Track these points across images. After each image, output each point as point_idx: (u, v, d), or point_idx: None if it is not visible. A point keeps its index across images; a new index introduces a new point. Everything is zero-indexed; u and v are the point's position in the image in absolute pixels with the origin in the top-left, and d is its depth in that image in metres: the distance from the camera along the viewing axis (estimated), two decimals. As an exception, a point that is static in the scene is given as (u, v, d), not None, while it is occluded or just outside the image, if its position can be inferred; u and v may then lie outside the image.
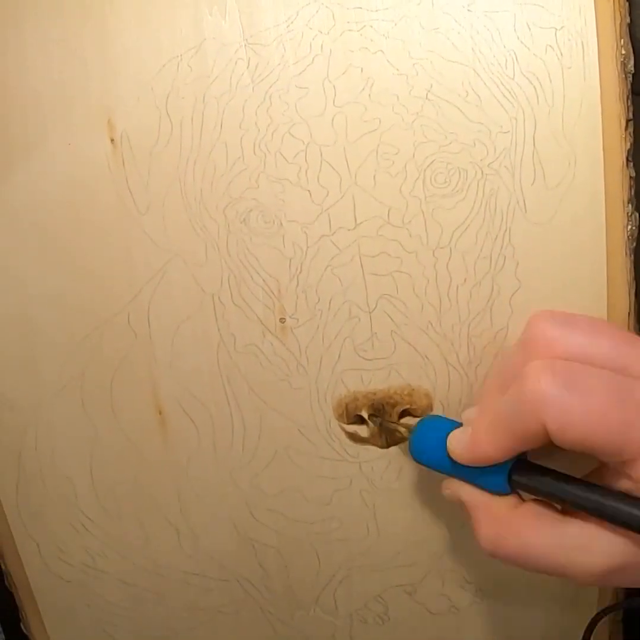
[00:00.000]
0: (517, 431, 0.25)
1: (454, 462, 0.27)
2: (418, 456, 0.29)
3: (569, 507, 0.26)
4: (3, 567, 0.34)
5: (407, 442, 0.30)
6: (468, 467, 0.27)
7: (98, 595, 0.34)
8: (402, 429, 0.30)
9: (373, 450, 0.31)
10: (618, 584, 0.28)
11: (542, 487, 0.26)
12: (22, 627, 0.35)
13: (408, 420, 0.31)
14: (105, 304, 0.30)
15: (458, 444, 0.27)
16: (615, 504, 0.24)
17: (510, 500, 0.27)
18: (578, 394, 0.23)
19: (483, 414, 0.26)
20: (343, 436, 0.31)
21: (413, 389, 0.31)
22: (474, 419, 0.27)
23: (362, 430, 0.31)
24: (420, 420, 0.30)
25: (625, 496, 0.24)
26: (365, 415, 0.31)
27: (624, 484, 0.25)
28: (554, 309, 0.28)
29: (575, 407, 0.23)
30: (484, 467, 0.26)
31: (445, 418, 0.29)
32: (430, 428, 0.29)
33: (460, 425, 0.28)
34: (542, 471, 0.26)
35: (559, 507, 0.27)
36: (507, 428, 0.25)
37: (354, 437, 0.31)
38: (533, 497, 0.27)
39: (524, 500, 0.27)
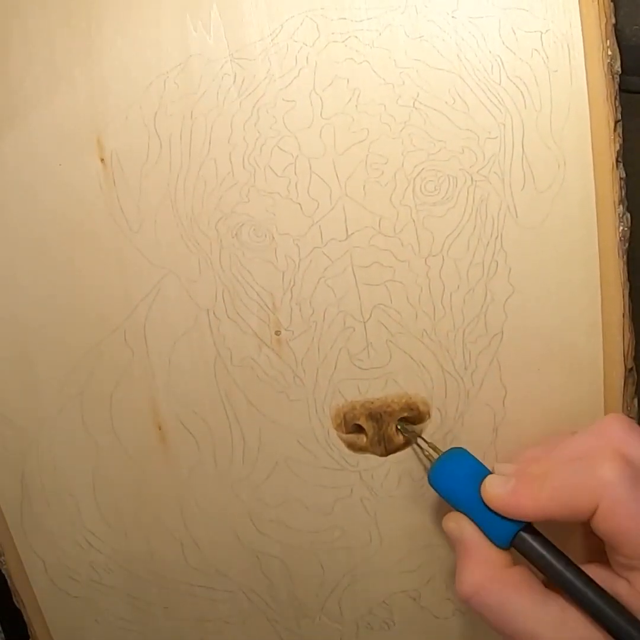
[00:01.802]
0: (565, 501, 0.26)
1: (470, 501, 0.27)
2: (437, 483, 0.29)
3: (556, 585, 0.26)
4: (10, 585, 0.34)
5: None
6: (483, 510, 0.27)
7: (105, 610, 0.34)
8: (429, 453, 0.30)
9: (372, 459, 0.31)
10: None
11: (538, 558, 0.27)
12: (32, 644, 0.35)
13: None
14: (101, 323, 0.31)
15: (497, 489, 0.27)
16: (603, 606, 0.25)
17: (504, 557, 0.27)
18: (636, 495, 0.25)
19: (528, 474, 0.27)
20: (342, 445, 0.31)
21: (410, 397, 0.31)
22: (517, 473, 0.27)
23: (361, 439, 0.31)
24: (447, 450, 0.30)
25: (615, 602, 0.25)
26: (396, 426, 0.31)
27: (619, 587, 0.26)
28: (624, 415, 0.29)
29: (630, 504, 0.25)
30: (497, 516, 0.27)
31: (474, 457, 0.29)
32: (458, 461, 0.29)
33: (485, 467, 0.28)
34: (545, 543, 0.27)
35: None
36: (556, 496, 0.26)
37: (353, 446, 0.31)
38: (526, 563, 0.27)
39: (515, 564, 0.27)
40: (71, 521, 0.33)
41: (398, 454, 0.31)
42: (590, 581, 0.26)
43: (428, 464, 0.30)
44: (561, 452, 0.28)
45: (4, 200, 0.30)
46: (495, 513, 0.27)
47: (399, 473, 0.32)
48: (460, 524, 0.28)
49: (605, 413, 0.31)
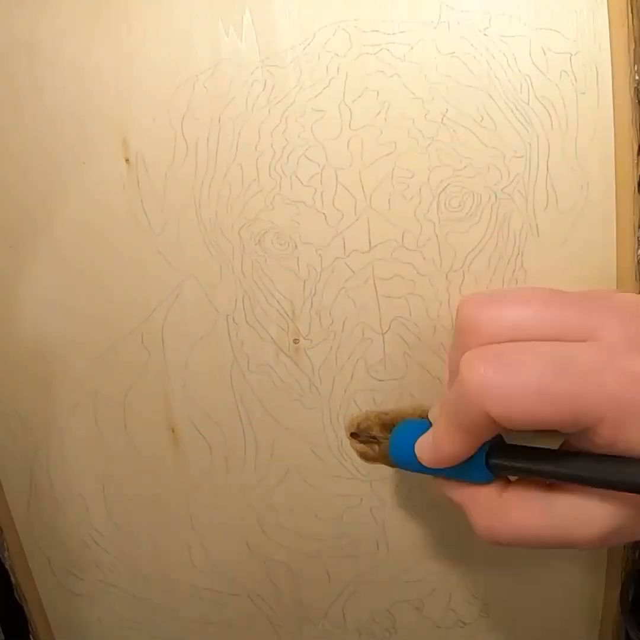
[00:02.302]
0: (467, 425, 0.24)
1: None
2: (398, 462, 0.29)
3: (552, 481, 0.26)
4: (13, 580, 0.34)
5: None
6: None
7: (109, 609, 0.34)
8: (381, 435, 0.30)
9: (384, 469, 0.32)
10: (618, 542, 0.27)
11: (519, 466, 0.26)
12: None
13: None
14: (119, 323, 0.30)
15: (423, 449, 0.27)
16: (590, 469, 0.24)
17: (496, 487, 0.27)
18: (513, 375, 0.23)
19: (440, 414, 0.26)
20: (354, 455, 0.31)
21: (424, 410, 0.31)
22: (434, 419, 0.27)
23: (374, 449, 0.31)
24: (397, 424, 0.30)
25: (598, 458, 0.24)
26: (364, 435, 0.31)
27: (594, 450, 0.24)
28: (476, 293, 0.27)
29: (513, 389, 0.23)
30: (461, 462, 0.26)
31: (416, 420, 0.29)
32: (406, 431, 0.29)
33: (427, 424, 0.28)
34: (517, 450, 0.26)
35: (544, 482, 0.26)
36: (458, 424, 0.25)
37: (365, 456, 0.31)
38: (517, 477, 0.27)
39: (510, 483, 0.27)
40: (78, 519, 0.33)
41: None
42: (571, 455, 0.24)
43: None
44: (448, 374, 0.27)
45: (27, 196, 0.30)
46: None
47: (410, 484, 0.32)
48: (441, 489, 0.28)
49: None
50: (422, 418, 0.29)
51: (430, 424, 0.28)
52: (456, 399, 0.24)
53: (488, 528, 0.26)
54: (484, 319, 0.25)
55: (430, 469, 0.27)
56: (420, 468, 0.27)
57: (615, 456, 0.23)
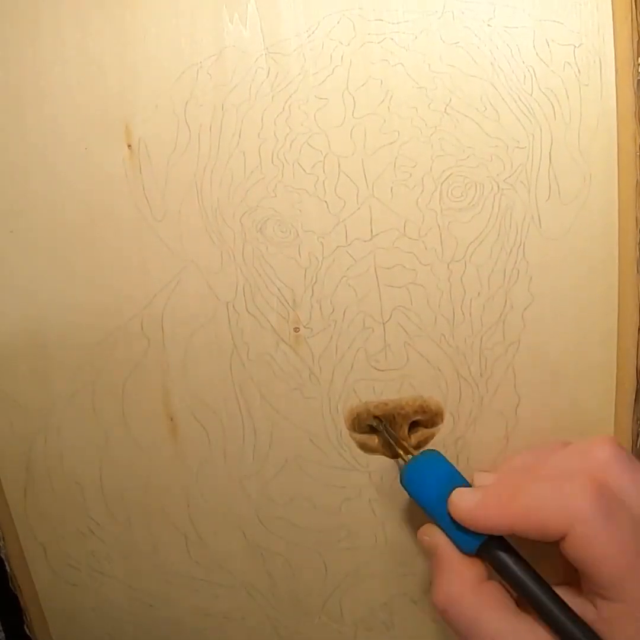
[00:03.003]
0: (534, 522, 0.25)
1: (440, 509, 0.27)
2: (408, 484, 0.29)
3: (523, 600, 0.26)
4: (8, 570, 0.33)
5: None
6: (451, 519, 0.27)
7: (104, 599, 0.34)
8: (402, 453, 0.30)
9: (383, 460, 0.31)
10: None
11: (505, 570, 0.26)
12: (26, 630, 0.34)
13: (413, 440, 0.31)
14: (118, 310, 0.30)
15: (465, 502, 0.27)
16: (568, 624, 0.25)
17: (478, 571, 0.27)
18: (610, 525, 0.24)
19: (503, 487, 0.27)
20: (354, 446, 0.31)
21: (424, 401, 0.31)
22: (489, 485, 0.27)
23: (373, 440, 0.31)
24: (422, 451, 0.30)
25: (580, 623, 0.25)
26: (372, 422, 0.31)
27: (587, 610, 0.25)
28: (615, 438, 0.28)
29: (603, 534, 0.24)
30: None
31: (449, 463, 0.29)
32: (431, 465, 0.29)
33: (459, 475, 0.28)
34: (513, 556, 0.26)
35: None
36: (526, 514, 0.25)
37: (364, 447, 0.31)
38: (498, 577, 0.27)
39: (489, 579, 0.27)
40: (75, 509, 0.33)
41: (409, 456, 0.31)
42: (556, 598, 0.25)
43: (402, 464, 0.30)
44: (541, 467, 0.27)
45: (28, 182, 0.30)
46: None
47: (409, 476, 0.32)
48: (434, 537, 0.28)
49: (615, 425, 0.31)
50: (445, 458, 0.29)
51: (457, 472, 0.28)
52: (545, 497, 0.25)
53: (450, 600, 0.27)
54: (615, 470, 0.26)
55: (437, 513, 0.27)
56: (427, 504, 0.28)
57: (591, 631, 0.24)
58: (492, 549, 0.27)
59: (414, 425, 0.31)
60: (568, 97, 0.29)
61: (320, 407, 0.31)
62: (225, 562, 0.33)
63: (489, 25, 0.29)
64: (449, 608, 0.27)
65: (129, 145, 0.29)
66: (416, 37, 0.29)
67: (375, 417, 0.31)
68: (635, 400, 0.31)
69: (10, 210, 0.30)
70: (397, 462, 0.31)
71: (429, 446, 0.31)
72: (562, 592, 0.26)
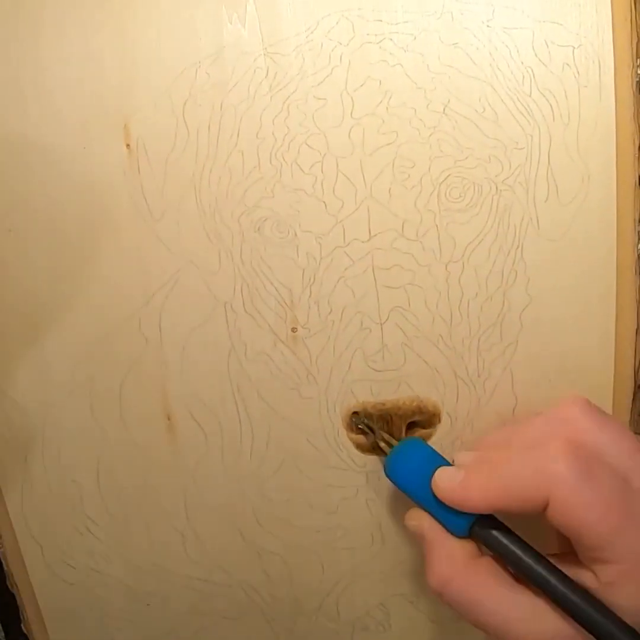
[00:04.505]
0: (515, 494, 0.25)
1: (425, 494, 0.27)
2: (392, 475, 0.29)
3: (520, 575, 0.26)
4: (5, 568, 0.33)
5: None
6: (438, 502, 0.27)
7: (101, 598, 0.34)
8: (383, 445, 0.30)
9: (380, 460, 0.31)
10: None
11: (498, 547, 0.26)
12: (23, 628, 0.35)
13: (390, 438, 0.31)
14: (117, 309, 0.30)
15: (446, 482, 0.27)
16: (566, 592, 0.24)
17: (469, 549, 0.27)
18: (590, 486, 0.24)
19: (483, 464, 0.27)
20: (351, 446, 0.31)
21: (422, 401, 0.31)
22: (469, 464, 0.27)
23: (370, 440, 0.31)
24: (402, 440, 0.30)
25: (578, 589, 0.24)
26: (354, 419, 0.31)
27: (586, 579, 0.25)
28: (586, 399, 0.28)
29: (584, 496, 0.24)
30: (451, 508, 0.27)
31: (429, 447, 0.29)
32: (412, 452, 0.29)
33: (439, 457, 0.28)
34: (505, 532, 0.26)
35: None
36: (506, 487, 0.25)
37: (361, 447, 0.31)
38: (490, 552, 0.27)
39: (482, 554, 0.27)
40: (72, 507, 0.33)
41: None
42: (553, 569, 0.25)
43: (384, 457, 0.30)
44: (516, 439, 0.27)
45: (26, 179, 0.30)
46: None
47: (406, 476, 0.32)
48: (420, 521, 0.28)
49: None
50: (425, 443, 0.29)
51: (440, 456, 0.28)
52: (523, 468, 0.25)
53: (445, 580, 0.26)
54: (588, 428, 0.26)
55: (423, 498, 0.27)
56: (412, 491, 0.28)
57: (592, 598, 0.24)
58: (483, 528, 0.26)
59: (412, 426, 0.31)
60: (567, 98, 0.29)
61: (317, 407, 0.31)
62: (222, 561, 0.33)
63: (488, 26, 0.29)
64: (445, 589, 0.26)
65: (128, 145, 0.29)
66: (415, 38, 0.29)
67: (354, 413, 0.31)
68: (633, 401, 0.31)
69: (8, 209, 0.30)
70: (380, 458, 0.31)
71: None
72: (560, 563, 0.26)
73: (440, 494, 0.27)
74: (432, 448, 0.29)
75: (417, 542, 0.29)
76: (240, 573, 0.33)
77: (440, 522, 0.27)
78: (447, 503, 0.26)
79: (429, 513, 0.28)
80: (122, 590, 0.34)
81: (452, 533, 0.27)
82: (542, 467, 0.24)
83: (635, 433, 0.31)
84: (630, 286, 0.30)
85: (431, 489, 0.27)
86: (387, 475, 0.29)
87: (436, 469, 0.27)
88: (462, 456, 0.28)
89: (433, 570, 0.27)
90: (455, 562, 0.26)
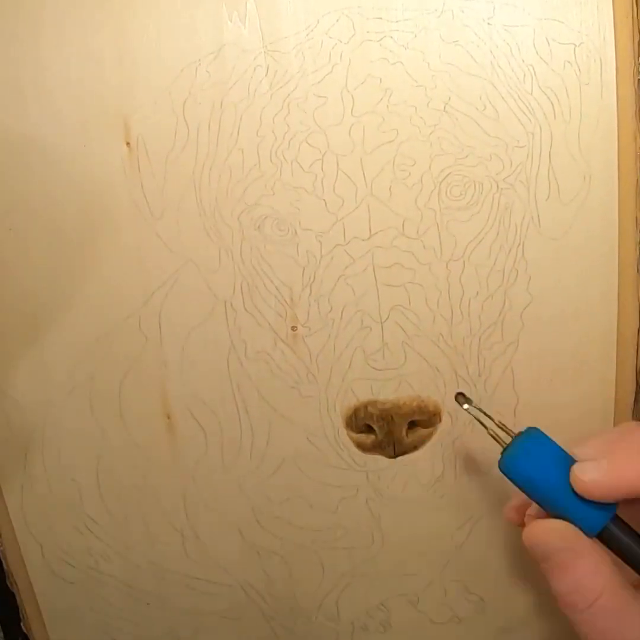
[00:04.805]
0: None
1: (555, 490, 0.25)
2: (511, 469, 0.26)
3: None
4: (5, 567, 0.33)
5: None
6: (569, 498, 0.25)
7: (101, 597, 0.34)
8: (502, 434, 0.27)
9: (380, 460, 0.31)
10: None
11: (627, 548, 0.24)
12: (23, 627, 0.34)
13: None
14: (117, 308, 0.30)
15: (592, 474, 0.24)
16: None
17: (627, 577, 0.24)
18: None
19: (617, 453, 0.25)
20: (351, 445, 0.31)
21: (422, 400, 0.31)
22: (608, 450, 0.25)
23: (370, 439, 0.31)
24: (526, 431, 0.27)
25: None
26: (458, 399, 0.29)
27: None
28: None
29: None
30: (585, 505, 0.24)
31: (553, 441, 0.26)
32: (538, 446, 0.26)
33: (564, 451, 0.26)
34: (633, 533, 0.25)
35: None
36: None
37: (362, 446, 0.31)
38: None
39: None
40: (72, 506, 0.33)
41: (406, 456, 0.31)
42: None
43: (498, 445, 0.27)
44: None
45: (26, 178, 0.30)
46: (584, 501, 0.24)
47: (407, 476, 0.31)
48: (547, 531, 0.25)
49: (614, 426, 0.31)
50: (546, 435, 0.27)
51: (566, 454, 0.26)
52: None
53: (598, 589, 0.23)
54: None
55: (553, 494, 0.25)
56: (539, 488, 0.25)
57: None
58: (613, 529, 0.25)
59: (412, 425, 0.31)
60: (568, 96, 0.29)
61: (317, 406, 0.31)
62: (222, 561, 0.33)
63: (488, 23, 0.29)
64: (599, 600, 0.23)
65: (128, 143, 0.29)
66: (415, 36, 0.28)
67: (460, 393, 0.28)
68: (635, 400, 0.31)
69: (9, 208, 0.30)
70: (499, 442, 0.27)
71: (426, 446, 0.31)
72: None
73: (586, 489, 0.24)
74: (552, 440, 0.26)
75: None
76: (240, 572, 0.33)
77: (574, 521, 0.25)
78: (594, 496, 0.24)
79: (557, 513, 0.25)
80: (121, 589, 0.33)
81: (587, 532, 0.25)
82: None
83: None
84: (632, 285, 0.30)
85: (565, 486, 0.25)
86: (504, 470, 0.26)
87: (567, 465, 0.25)
88: (584, 451, 0.25)
89: (586, 582, 0.23)
90: (609, 569, 0.24)
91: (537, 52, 0.29)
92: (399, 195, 0.29)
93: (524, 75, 0.29)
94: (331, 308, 0.30)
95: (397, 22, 0.28)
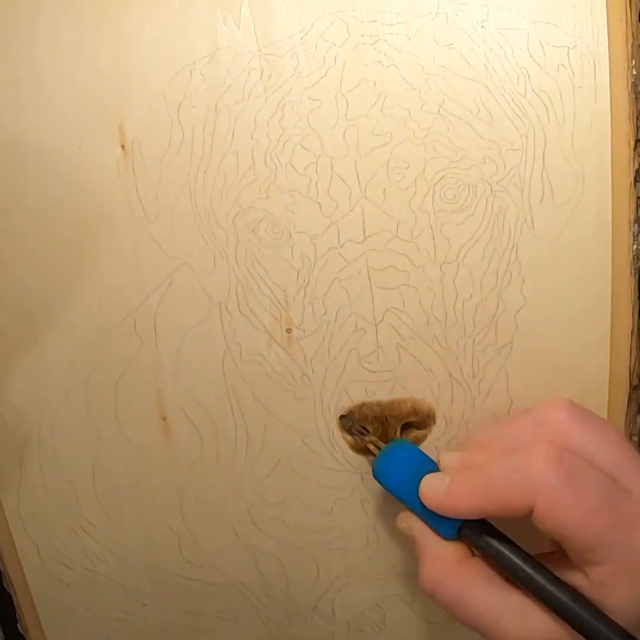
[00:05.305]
0: (501, 500, 0.25)
1: (414, 498, 0.27)
2: (380, 478, 0.29)
3: (509, 575, 0.26)
4: (2, 568, 0.34)
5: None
6: (422, 506, 0.27)
7: (97, 599, 0.34)
8: (372, 447, 0.30)
9: (369, 462, 0.31)
10: None
11: (487, 548, 0.26)
12: (19, 629, 0.35)
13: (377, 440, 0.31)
14: (112, 310, 0.30)
15: (433, 490, 0.27)
16: (560, 594, 0.24)
17: (459, 550, 0.27)
18: (575, 489, 0.24)
19: (467, 470, 0.27)
20: (346, 447, 0.31)
21: (417, 402, 0.31)
22: (455, 469, 0.27)
23: (364, 441, 0.31)
24: (390, 442, 0.30)
25: (567, 590, 0.24)
26: (350, 424, 0.31)
27: (577, 579, 0.25)
28: (572, 400, 0.28)
29: (569, 500, 0.24)
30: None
31: (417, 449, 0.29)
32: (400, 454, 0.29)
33: (427, 458, 0.29)
34: (494, 534, 0.26)
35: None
36: (491, 494, 0.25)
37: (356, 448, 0.31)
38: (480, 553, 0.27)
39: (473, 554, 0.27)
40: (68, 508, 0.33)
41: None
42: (540, 568, 0.25)
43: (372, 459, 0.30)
44: (501, 441, 0.27)
45: (22, 180, 0.30)
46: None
47: (401, 477, 0.32)
48: (409, 523, 0.28)
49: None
50: (413, 445, 0.30)
51: (428, 457, 0.28)
52: (507, 474, 0.25)
53: (436, 582, 0.27)
54: (571, 429, 0.26)
55: (411, 502, 0.27)
56: (401, 495, 0.28)
57: (581, 597, 0.24)
58: (471, 530, 0.26)
59: (407, 427, 0.31)
60: (562, 99, 0.29)
61: (312, 408, 0.31)
62: (217, 562, 0.33)
63: (482, 26, 0.29)
64: (436, 590, 0.27)
65: (123, 146, 0.29)
66: (409, 39, 0.29)
67: (342, 416, 0.31)
68: (628, 403, 0.31)
69: (3, 210, 0.30)
70: (368, 459, 0.31)
71: (420, 448, 0.31)
72: (551, 563, 0.26)
73: (427, 502, 0.27)
74: (419, 450, 0.29)
75: (409, 543, 0.29)
76: (236, 573, 0.33)
77: (428, 525, 0.28)
78: (434, 510, 0.27)
79: (418, 516, 0.28)
80: (117, 590, 0.34)
81: (441, 536, 0.27)
82: (526, 473, 0.24)
83: (631, 435, 0.31)
84: (626, 287, 0.30)
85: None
86: (375, 478, 0.29)
87: (424, 473, 0.27)
88: (447, 457, 0.28)
89: (424, 572, 0.27)
90: (445, 563, 0.27)
91: (530, 55, 0.29)
92: (393, 198, 0.29)
93: (518, 78, 0.29)
94: (326, 310, 0.30)
95: (391, 25, 0.29)
